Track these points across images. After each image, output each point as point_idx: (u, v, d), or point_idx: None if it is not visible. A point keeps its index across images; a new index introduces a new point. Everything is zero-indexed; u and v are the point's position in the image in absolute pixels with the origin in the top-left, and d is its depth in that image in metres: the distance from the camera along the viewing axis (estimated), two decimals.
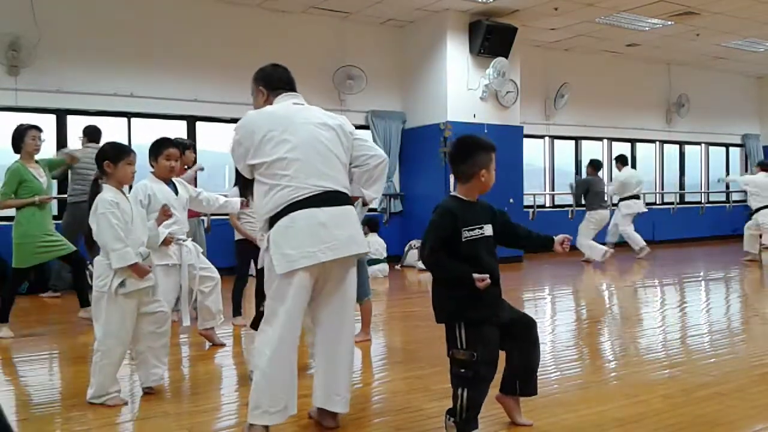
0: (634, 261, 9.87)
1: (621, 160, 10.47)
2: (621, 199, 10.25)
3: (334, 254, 2.75)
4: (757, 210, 9.69)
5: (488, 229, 2.73)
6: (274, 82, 3.06)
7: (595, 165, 9.82)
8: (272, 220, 2.78)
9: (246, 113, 2.97)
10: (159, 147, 4.22)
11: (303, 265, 2.71)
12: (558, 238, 2.82)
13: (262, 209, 2.83)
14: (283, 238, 2.72)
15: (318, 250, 2.72)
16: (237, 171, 5.33)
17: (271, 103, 3.02)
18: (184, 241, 4.28)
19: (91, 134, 6.93)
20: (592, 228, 9.59)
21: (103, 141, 3.44)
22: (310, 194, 2.76)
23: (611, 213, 9.90)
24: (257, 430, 2.74)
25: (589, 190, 9.62)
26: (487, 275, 2.58)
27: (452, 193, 2.80)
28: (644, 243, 10.07)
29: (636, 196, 10.26)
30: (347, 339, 2.92)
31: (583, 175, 10.15)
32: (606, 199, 9.85)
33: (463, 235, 2.64)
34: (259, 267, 3.01)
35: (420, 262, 8.58)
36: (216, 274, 4.59)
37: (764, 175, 9.80)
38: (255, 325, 3.34)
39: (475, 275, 2.56)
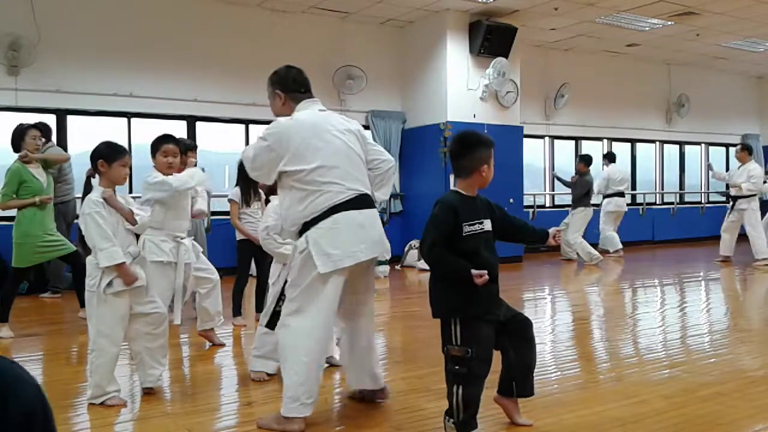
0: (635, 262, 9.88)
1: (608, 157, 10.45)
2: (604, 197, 10.23)
3: (372, 253, 2.98)
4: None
5: (487, 224, 2.75)
6: (290, 84, 3.16)
7: (587, 160, 9.78)
8: (308, 224, 2.91)
9: (276, 120, 3.06)
10: (157, 143, 4.23)
11: (346, 265, 2.88)
12: (551, 231, 2.90)
13: (297, 214, 2.94)
14: (325, 240, 2.87)
15: (358, 249, 2.91)
16: (239, 171, 5.41)
17: (290, 107, 3.13)
18: (182, 239, 4.28)
19: (48, 132, 6.66)
20: (584, 226, 9.60)
21: (97, 141, 3.45)
22: (349, 198, 2.93)
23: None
24: (295, 423, 2.85)
25: (590, 190, 9.62)
26: (486, 271, 2.57)
27: (452, 189, 2.82)
28: (621, 246, 10.00)
29: (620, 194, 10.21)
30: (373, 327, 3.27)
31: (573, 171, 10.06)
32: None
33: (464, 230, 2.65)
34: (290, 267, 3.09)
35: (420, 262, 8.58)
36: (215, 275, 4.58)
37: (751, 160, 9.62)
38: (272, 324, 3.35)
39: (474, 271, 2.56)
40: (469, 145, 2.74)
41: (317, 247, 2.85)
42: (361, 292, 3.14)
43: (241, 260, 5.46)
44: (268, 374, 3.72)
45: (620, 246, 10.24)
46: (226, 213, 5.60)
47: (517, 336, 2.81)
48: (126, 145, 7.90)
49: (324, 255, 2.84)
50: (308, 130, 2.97)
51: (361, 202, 2.96)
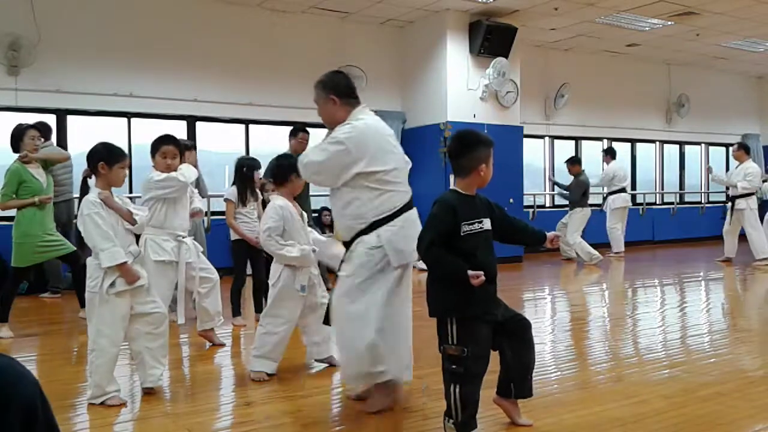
0: (635, 262, 9.88)
1: (610, 153, 10.42)
2: (609, 194, 10.22)
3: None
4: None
5: (487, 223, 2.75)
6: (343, 89, 3.33)
7: (579, 161, 9.80)
8: (379, 222, 3.12)
9: (352, 125, 3.20)
10: (156, 145, 4.23)
11: (414, 258, 3.07)
12: (549, 235, 2.92)
13: (371, 211, 3.13)
14: (397, 237, 3.11)
15: (414, 247, 3.08)
16: (237, 171, 5.41)
17: (345, 111, 3.28)
18: (183, 238, 4.28)
19: (47, 132, 6.55)
20: (582, 225, 9.59)
21: (96, 141, 3.46)
22: (408, 198, 3.22)
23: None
24: (390, 388, 3.12)
25: (587, 190, 9.62)
26: (482, 272, 2.57)
27: (452, 188, 2.82)
28: (623, 249, 10.15)
29: (623, 190, 10.24)
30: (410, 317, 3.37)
31: (567, 173, 10.04)
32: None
33: (463, 229, 2.65)
34: (345, 261, 3.21)
35: (420, 261, 8.54)
36: (215, 275, 4.58)
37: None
38: (328, 320, 3.38)
39: (470, 272, 2.55)
40: (468, 144, 2.75)
41: (391, 244, 3.08)
42: (407, 288, 3.31)
43: (236, 260, 5.46)
44: (268, 374, 3.72)
45: (623, 248, 10.25)
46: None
47: (515, 337, 2.81)
48: (126, 145, 7.94)
49: (396, 251, 3.08)
50: (379, 133, 3.22)
51: (411, 201, 3.25)
